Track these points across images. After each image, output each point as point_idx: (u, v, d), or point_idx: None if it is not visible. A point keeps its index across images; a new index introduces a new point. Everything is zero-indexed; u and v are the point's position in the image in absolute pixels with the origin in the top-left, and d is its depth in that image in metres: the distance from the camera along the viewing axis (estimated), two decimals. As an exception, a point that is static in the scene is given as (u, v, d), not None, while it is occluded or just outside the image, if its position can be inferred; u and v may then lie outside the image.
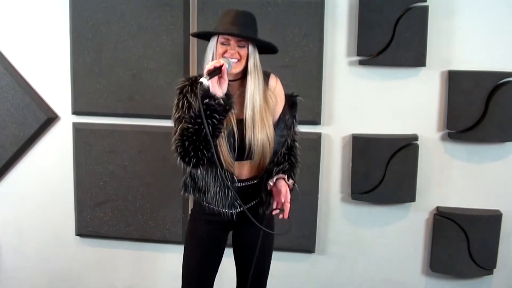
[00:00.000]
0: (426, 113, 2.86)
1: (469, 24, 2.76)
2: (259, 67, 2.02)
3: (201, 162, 1.91)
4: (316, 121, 2.90)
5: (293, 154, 2.14)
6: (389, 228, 2.99)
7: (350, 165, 2.92)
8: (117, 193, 3.11)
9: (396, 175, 2.86)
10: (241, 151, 2.04)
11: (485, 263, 2.88)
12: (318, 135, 2.93)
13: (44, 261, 3.30)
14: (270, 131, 2.05)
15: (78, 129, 3.09)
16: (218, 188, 2.07)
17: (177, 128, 1.95)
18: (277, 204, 2.02)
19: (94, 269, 3.27)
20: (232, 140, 2.01)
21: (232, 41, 1.96)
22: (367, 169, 2.88)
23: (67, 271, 3.29)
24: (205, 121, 1.83)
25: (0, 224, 3.30)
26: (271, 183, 2.05)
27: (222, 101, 1.86)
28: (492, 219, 2.85)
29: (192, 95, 2.00)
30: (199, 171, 2.10)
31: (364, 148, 2.87)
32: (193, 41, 2.93)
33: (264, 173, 2.11)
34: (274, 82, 2.13)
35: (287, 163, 2.10)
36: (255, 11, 2.70)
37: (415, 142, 2.85)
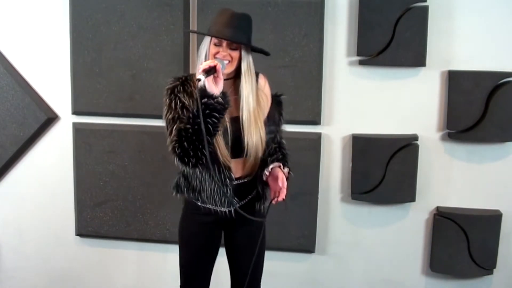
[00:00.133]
0: (426, 113, 2.86)
1: (469, 24, 2.76)
2: (252, 69, 2.05)
3: (201, 161, 1.91)
4: (316, 121, 2.91)
5: (283, 148, 2.20)
6: (389, 228, 2.99)
7: (350, 165, 2.92)
8: (117, 193, 3.11)
9: (396, 175, 2.86)
10: (237, 149, 2.06)
11: (485, 263, 2.88)
12: (318, 135, 2.93)
13: (44, 261, 3.30)
14: (263, 130, 2.08)
15: (78, 129, 3.09)
16: (215, 186, 2.09)
17: (172, 129, 1.95)
18: (274, 193, 2.05)
19: (94, 269, 3.27)
20: (227, 137, 2.03)
21: (224, 44, 1.97)
22: (367, 169, 2.88)
23: (67, 271, 3.29)
24: (205, 120, 1.84)
25: (0, 224, 3.30)
26: (267, 173, 2.07)
27: (220, 100, 1.87)
28: (492, 219, 2.85)
29: (185, 95, 2.01)
30: (197, 170, 2.10)
31: (364, 148, 2.87)
32: (193, 41, 2.93)
33: (258, 169, 2.13)
34: (263, 82, 2.16)
35: (279, 153, 2.15)
36: (255, 11, 2.71)
37: (415, 142, 2.85)
